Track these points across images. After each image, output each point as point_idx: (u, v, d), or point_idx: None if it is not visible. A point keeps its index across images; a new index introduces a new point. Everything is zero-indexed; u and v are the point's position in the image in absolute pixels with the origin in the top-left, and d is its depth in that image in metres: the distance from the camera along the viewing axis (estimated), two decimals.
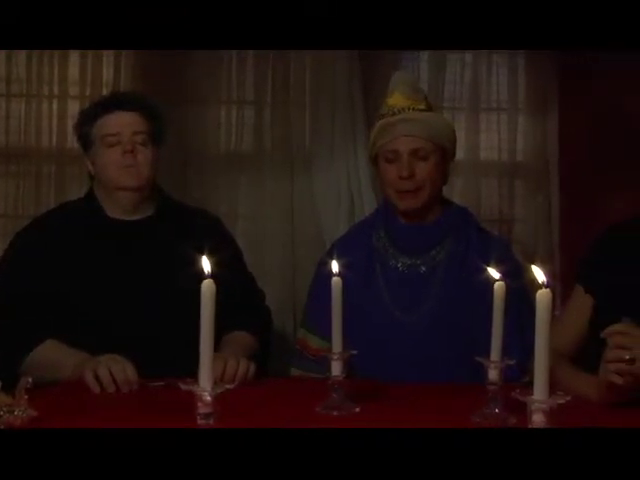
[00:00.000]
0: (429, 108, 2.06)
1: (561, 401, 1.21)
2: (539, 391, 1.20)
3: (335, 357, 1.57)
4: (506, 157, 2.98)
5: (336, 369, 1.58)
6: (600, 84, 2.90)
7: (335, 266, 1.60)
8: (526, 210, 2.99)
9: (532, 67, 2.95)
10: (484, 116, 2.98)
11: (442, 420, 1.54)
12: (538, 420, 1.22)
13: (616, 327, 1.57)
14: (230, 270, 1.93)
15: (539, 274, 1.21)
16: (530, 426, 1.23)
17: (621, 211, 2.02)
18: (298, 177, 2.91)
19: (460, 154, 2.85)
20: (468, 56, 2.95)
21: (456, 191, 2.91)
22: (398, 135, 1.99)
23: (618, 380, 1.55)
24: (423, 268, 2.04)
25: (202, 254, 1.35)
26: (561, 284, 2.81)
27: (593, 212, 2.81)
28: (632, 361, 1.53)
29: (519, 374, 1.74)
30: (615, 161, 2.76)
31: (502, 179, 3.00)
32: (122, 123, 1.99)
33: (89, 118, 2.04)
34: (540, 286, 1.20)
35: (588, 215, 2.81)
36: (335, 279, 1.59)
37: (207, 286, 1.25)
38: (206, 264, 1.29)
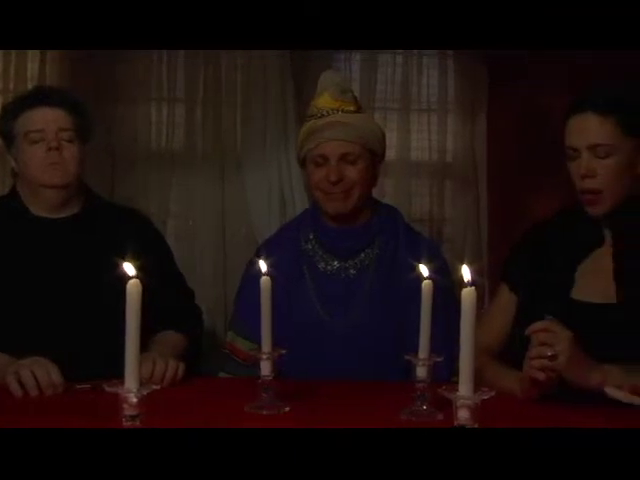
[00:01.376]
0: (358, 109, 2.05)
1: (485, 397, 1.23)
2: (464, 387, 1.22)
3: (264, 357, 1.57)
4: (436, 157, 3.02)
5: (265, 369, 1.57)
6: (527, 85, 2.97)
7: (263, 266, 1.60)
8: (455, 210, 3.04)
9: (461, 68, 3.00)
10: (415, 117, 3.02)
11: (371, 418, 1.56)
12: (464, 416, 1.24)
13: (539, 324, 1.60)
14: (159, 269, 1.92)
15: (466, 273, 1.23)
16: (456, 422, 1.25)
17: (547, 211, 2.06)
18: (229, 176, 2.89)
19: (391, 154, 2.89)
20: (399, 57, 2.98)
21: (387, 191, 2.94)
22: (326, 140, 1.98)
23: (541, 376, 1.58)
24: (352, 271, 2.04)
25: (130, 253, 1.33)
26: (489, 283, 2.86)
27: (520, 212, 2.87)
28: (554, 357, 1.57)
29: (448, 375, 1.76)
30: (541, 161, 2.82)
31: (432, 179, 3.04)
32: (47, 119, 1.93)
33: (12, 113, 1.98)
34: (465, 285, 1.22)
35: (515, 215, 2.87)
36: (264, 278, 1.58)
37: (133, 286, 1.24)
38: (132, 263, 1.27)
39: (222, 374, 2.07)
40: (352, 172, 1.99)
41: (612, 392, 1.40)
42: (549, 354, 1.57)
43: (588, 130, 1.75)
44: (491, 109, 3.04)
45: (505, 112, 3.03)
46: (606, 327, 1.71)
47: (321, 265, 2.06)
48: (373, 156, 2.04)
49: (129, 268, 1.25)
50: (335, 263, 2.05)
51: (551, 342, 1.57)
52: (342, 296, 2.02)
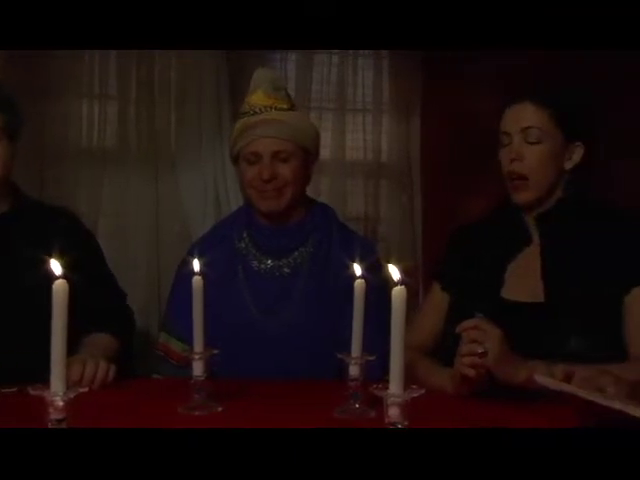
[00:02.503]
0: (292, 107, 2.04)
1: (415, 394, 1.24)
2: (394, 385, 1.23)
3: (196, 357, 1.55)
4: (371, 157, 3.05)
5: (198, 369, 1.56)
6: (461, 86, 3.02)
7: (196, 265, 1.58)
8: (390, 209, 3.07)
9: (396, 69, 3.03)
10: (350, 117, 3.04)
11: (304, 417, 1.56)
12: (394, 414, 1.25)
13: (469, 322, 1.63)
14: (89, 269, 1.89)
15: (394, 272, 1.24)
16: (387, 420, 1.26)
17: (480, 211, 2.10)
18: (164, 175, 2.86)
19: (326, 154, 2.91)
20: (335, 57, 3.00)
21: (322, 190, 2.95)
22: (258, 137, 1.97)
23: (471, 372, 1.61)
24: (286, 270, 2.04)
25: (58, 253, 1.30)
26: (423, 281, 2.90)
27: (454, 211, 2.91)
28: (484, 354, 1.59)
29: (381, 373, 1.77)
30: (475, 162, 2.86)
31: (367, 179, 3.07)
32: None
33: None
34: (395, 283, 1.22)
35: (449, 214, 2.91)
36: (196, 278, 1.56)
37: (59, 286, 1.21)
38: (60, 263, 1.24)
39: (155, 376, 2.04)
40: (285, 170, 1.98)
41: (541, 380, 1.43)
42: (479, 351, 1.59)
43: (523, 116, 1.83)
44: (425, 110, 3.08)
45: (439, 112, 3.07)
46: (534, 325, 1.75)
47: (254, 264, 2.05)
48: (306, 154, 2.04)
49: (56, 268, 1.22)
50: (269, 262, 2.05)
51: (481, 340, 1.60)
52: (276, 295, 2.02)
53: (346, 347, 1.58)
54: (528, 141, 1.82)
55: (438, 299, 1.95)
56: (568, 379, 1.41)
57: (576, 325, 1.73)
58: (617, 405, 1.22)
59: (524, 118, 1.83)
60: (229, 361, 1.77)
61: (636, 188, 2.88)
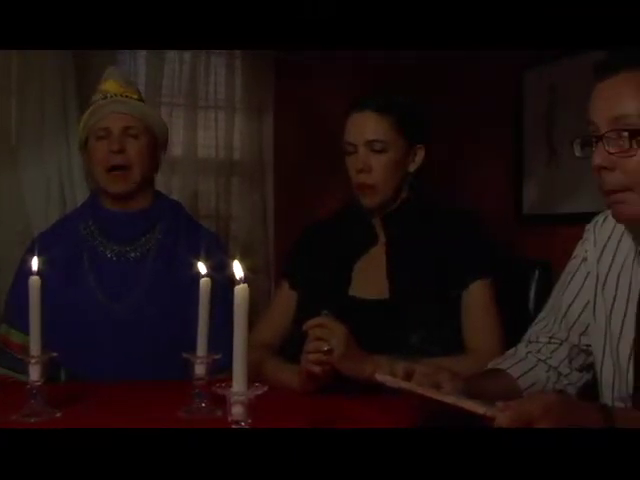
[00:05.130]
0: (141, 100, 2.07)
1: (259, 392, 1.24)
2: (237, 383, 1.22)
3: (33, 361, 1.48)
4: (223, 155, 3.04)
5: (34, 373, 1.49)
6: (313, 86, 3.06)
7: (35, 263, 1.51)
8: (242, 208, 3.07)
9: (248, 67, 3.03)
10: (202, 114, 3.02)
11: (150, 417, 1.53)
12: (238, 412, 1.24)
13: (315, 321, 1.65)
14: None
15: (237, 269, 1.23)
16: (230, 418, 1.25)
17: (331, 210, 2.13)
18: (3, 171, 2.73)
19: (178, 151, 2.87)
20: (186, 54, 2.97)
21: (174, 187, 2.92)
22: (110, 112, 1.98)
23: (317, 369, 1.63)
24: (132, 255, 2.02)
25: None
26: (275, 281, 2.92)
27: (305, 211, 2.95)
28: (329, 352, 1.62)
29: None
30: (326, 161, 2.91)
31: (219, 177, 3.06)
32: None
33: None
34: (238, 281, 1.22)
35: (300, 214, 2.94)
36: (33, 278, 1.49)
37: None
38: None
39: None
40: (134, 146, 2.00)
41: (381, 378, 1.46)
42: (325, 348, 1.62)
43: (366, 127, 1.85)
44: (278, 109, 3.11)
45: (291, 112, 3.11)
46: (379, 322, 1.79)
47: (100, 250, 2.03)
48: (155, 139, 2.05)
49: None
50: (115, 248, 2.03)
51: (326, 337, 1.62)
52: (122, 282, 1.99)
53: (190, 342, 1.55)
54: (374, 149, 1.84)
55: (286, 297, 1.96)
56: (409, 376, 1.45)
57: (419, 321, 1.79)
58: (451, 400, 1.28)
59: (368, 129, 1.84)
60: (75, 348, 1.76)
61: (477, 188, 3.03)
